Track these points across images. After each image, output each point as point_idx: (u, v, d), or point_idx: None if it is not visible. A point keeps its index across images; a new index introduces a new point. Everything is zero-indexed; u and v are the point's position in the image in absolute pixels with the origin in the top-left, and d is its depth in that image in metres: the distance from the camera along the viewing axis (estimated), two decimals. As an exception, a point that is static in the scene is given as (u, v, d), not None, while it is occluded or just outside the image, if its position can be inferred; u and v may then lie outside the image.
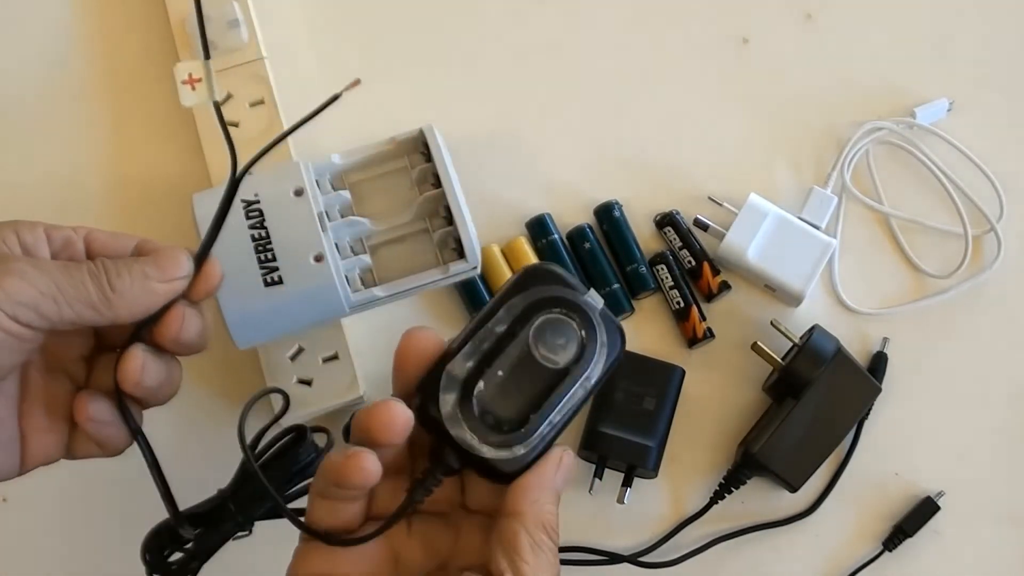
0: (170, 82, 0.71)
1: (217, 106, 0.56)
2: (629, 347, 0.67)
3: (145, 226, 0.70)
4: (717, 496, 0.67)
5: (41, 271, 0.47)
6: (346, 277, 0.64)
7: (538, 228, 0.70)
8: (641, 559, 0.66)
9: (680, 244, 0.70)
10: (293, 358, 0.67)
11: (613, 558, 0.67)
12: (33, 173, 0.72)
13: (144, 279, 0.50)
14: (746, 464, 0.66)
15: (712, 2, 0.75)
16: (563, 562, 0.66)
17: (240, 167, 0.57)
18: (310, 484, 0.54)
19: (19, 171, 0.72)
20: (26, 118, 0.73)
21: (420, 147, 0.68)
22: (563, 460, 0.51)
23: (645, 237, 0.71)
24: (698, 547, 0.67)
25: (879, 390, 0.67)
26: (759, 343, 0.67)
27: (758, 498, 0.68)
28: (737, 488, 0.67)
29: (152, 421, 0.68)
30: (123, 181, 0.71)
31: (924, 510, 0.67)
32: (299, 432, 0.60)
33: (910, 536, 0.67)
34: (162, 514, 0.57)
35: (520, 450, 0.50)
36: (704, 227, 0.70)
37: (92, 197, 0.71)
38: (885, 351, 0.69)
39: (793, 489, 0.66)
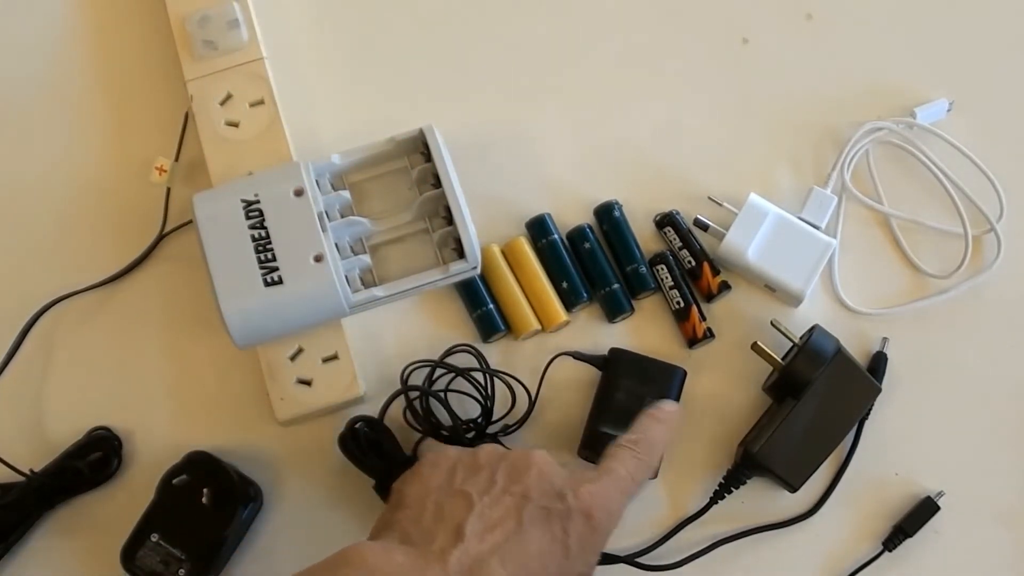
0: (170, 82, 0.72)
1: (168, 191, 0.70)
2: (630, 347, 0.68)
3: (145, 225, 0.70)
4: (717, 496, 0.67)
5: None
6: (346, 277, 0.65)
7: (538, 228, 0.70)
8: (640, 560, 0.66)
9: (680, 244, 0.70)
10: (293, 358, 0.67)
11: (611, 559, 0.66)
12: (33, 172, 0.72)
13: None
14: (746, 464, 0.66)
15: (712, 2, 0.75)
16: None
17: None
18: None
19: (18, 170, 0.72)
20: (25, 117, 0.73)
21: (420, 147, 0.68)
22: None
23: (645, 237, 0.71)
24: (698, 551, 0.67)
25: (879, 390, 0.67)
26: (759, 343, 0.67)
27: (758, 498, 0.68)
28: (737, 488, 0.67)
29: (152, 422, 0.68)
30: (122, 180, 0.71)
31: (924, 510, 0.67)
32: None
33: (910, 536, 0.67)
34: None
35: None
36: (704, 227, 0.70)
37: (92, 196, 0.71)
38: (885, 351, 0.69)
39: (793, 489, 0.66)
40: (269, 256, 0.63)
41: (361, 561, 0.51)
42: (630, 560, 0.66)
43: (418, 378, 0.67)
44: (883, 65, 0.75)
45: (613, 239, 0.71)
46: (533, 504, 0.54)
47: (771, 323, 0.68)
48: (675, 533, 0.67)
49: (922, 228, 0.72)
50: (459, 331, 0.70)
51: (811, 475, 0.66)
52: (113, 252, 0.70)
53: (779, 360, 0.67)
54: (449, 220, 0.66)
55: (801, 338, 0.68)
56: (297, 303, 0.63)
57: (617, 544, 0.67)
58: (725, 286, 0.70)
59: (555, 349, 0.68)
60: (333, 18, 0.75)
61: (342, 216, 0.67)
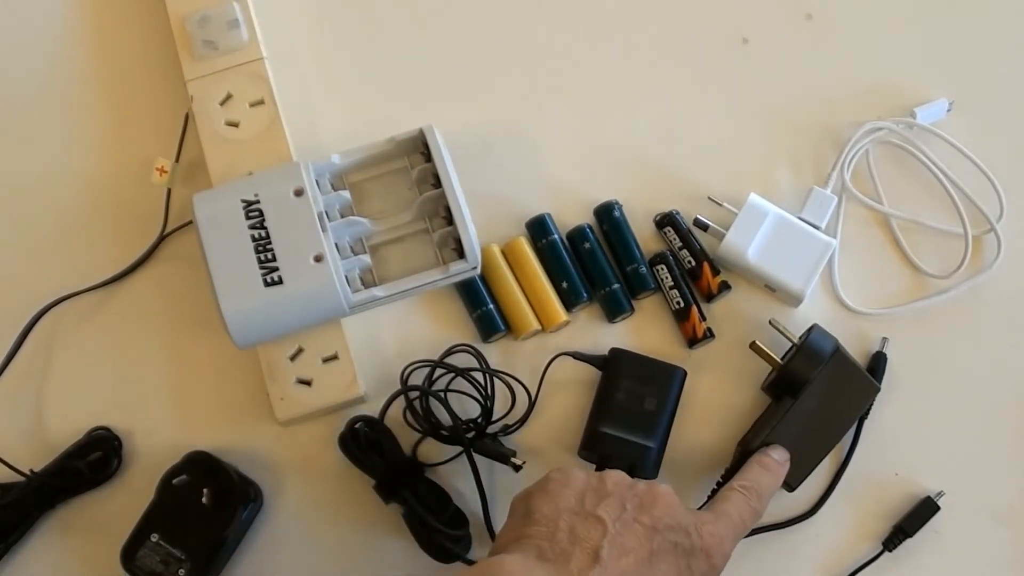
0: (170, 82, 0.72)
1: (168, 192, 0.69)
2: (630, 347, 0.68)
3: (145, 226, 0.70)
4: (715, 495, 0.67)
5: None
6: (346, 277, 0.65)
7: (538, 228, 0.70)
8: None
9: (680, 244, 0.70)
10: (293, 358, 0.67)
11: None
12: (33, 172, 0.72)
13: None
14: (744, 462, 0.66)
15: (712, 2, 0.75)
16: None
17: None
18: None
19: (18, 170, 0.72)
20: (25, 117, 0.73)
21: (420, 147, 0.68)
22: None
23: (645, 237, 0.71)
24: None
25: (878, 389, 0.67)
26: (757, 342, 0.67)
27: (758, 498, 0.68)
28: (737, 488, 0.67)
29: (152, 422, 0.68)
30: (123, 181, 0.71)
31: (924, 510, 0.67)
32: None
33: (910, 536, 0.67)
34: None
35: None
36: (704, 227, 0.70)
37: (92, 196, 0.71)
38: (884, 351, 0.69)
39: (791, 488, 0.66)
40: (269, 256, 0.63)
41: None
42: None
43: (418, 378, 0.67)
44: (883, 65, 0.75)
45: (613, 239, 0.71)
46: (661, 536, 0.56)
47: (769, 322, 0.68)
48: (675, 533, 0.67)
49: (922, 228, 0.72)
50: (459, 331, 0.70)
51: (809, 474, 0.66)
52: (113, 253, 0.70)
53: (777, 359, 0.67)
54: (449, 220, 0.66)
55: (799, 337, 0.68)
56: (297, 303, 0.63)
57: (617, 544, 0.67)
58: (725, 286, 0.70)
59: (555, 349, 0.68)
60: (333, 18, 0.75)
61: (342, 216, 0.67)
